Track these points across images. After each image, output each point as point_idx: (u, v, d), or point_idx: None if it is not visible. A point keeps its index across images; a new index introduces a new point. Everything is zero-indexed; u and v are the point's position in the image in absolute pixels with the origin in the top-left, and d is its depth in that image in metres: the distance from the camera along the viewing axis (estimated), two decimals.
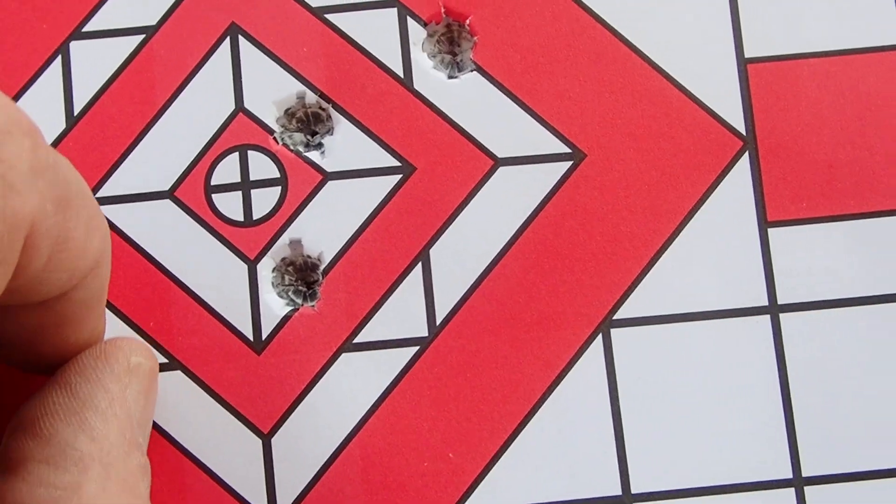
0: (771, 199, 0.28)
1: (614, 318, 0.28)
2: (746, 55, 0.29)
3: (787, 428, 0.28)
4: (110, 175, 0.28)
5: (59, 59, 0.28)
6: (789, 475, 0.27)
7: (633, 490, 0.27)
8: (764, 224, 0.28)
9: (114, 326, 0.27)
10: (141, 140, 0.28)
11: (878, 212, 0.28)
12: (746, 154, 0.28)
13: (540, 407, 0.27)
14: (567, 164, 0.28)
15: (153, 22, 0.29)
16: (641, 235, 0.28)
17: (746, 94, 0.29)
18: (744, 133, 0.28)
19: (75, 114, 0.28)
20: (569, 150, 0.28)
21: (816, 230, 0.28)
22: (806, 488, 0.27)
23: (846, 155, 0.28)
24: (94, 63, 0.28)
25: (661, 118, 0.28)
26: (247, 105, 0.28)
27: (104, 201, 0.28)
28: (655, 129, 0.28)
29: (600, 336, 0.28)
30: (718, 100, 0.29)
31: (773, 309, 0.28)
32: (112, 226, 0.28)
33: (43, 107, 0.28)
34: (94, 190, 0.28)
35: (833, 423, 0.28)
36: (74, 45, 0.28)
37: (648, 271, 0.28)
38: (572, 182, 0.28)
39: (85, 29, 0.28)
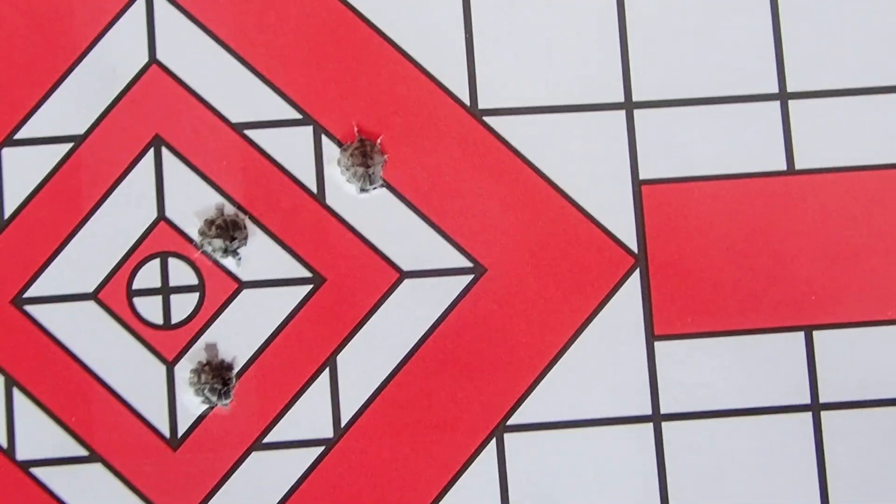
0: (659, 313, 0.32)
1: (508, 423, 0.32)
2: (641, 177, 0.32)
3: None
4: (37, 277, 0.32)
5: None
6: None
7: None
8: (651, 337, 0.32)
9: (37, 420, 0.31)
10: (67, 244, 0.32)
11: (759, 329, 0.32)
12: (637, 271, 0.32)
13: None
14: (469, 278, 0.32)
15: (81, 131, 0.32)
16: (536, 346, 0.32)
17: (639, 214, 0.32)
18: (635, 251, 0.32)
19: (5, 217, 0.32)
20: (471, 265, 0.32)
21: (701, 344, 0.32)
22: None
23: (731, 274, 0.32)
24: (24, 169, 0.32)
25: (558, 235, 0.32)
26: (168, 214, 0.32)
27: (31, 301, 0.31)
28: (553, 246, 0.32)
29: (494, 440, 0.32)
30: (612, 218, 0.32)
31: (657, 417, 0.32)
32: (37, 325, 0.31)
33: None
34: (21, 292, 0.31)
35: None
36: (6, 152, 0.32)
37: (541, 380, 0.32)
38: (473, 295, 0.32)
39: (17, 136, 0.32)
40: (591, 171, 0.32)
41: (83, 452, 0.31)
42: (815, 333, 0.32)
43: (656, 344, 0.32)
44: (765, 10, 0.33)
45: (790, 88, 0.33)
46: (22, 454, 0.31)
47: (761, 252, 0.32)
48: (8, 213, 0.32)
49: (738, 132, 0.33)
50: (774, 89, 0.33)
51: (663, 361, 0.32)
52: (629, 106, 0.33)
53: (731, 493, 0.32)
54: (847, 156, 0.33)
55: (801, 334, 0.32)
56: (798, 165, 0.33)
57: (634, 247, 0.32)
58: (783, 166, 0.33)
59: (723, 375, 0.32)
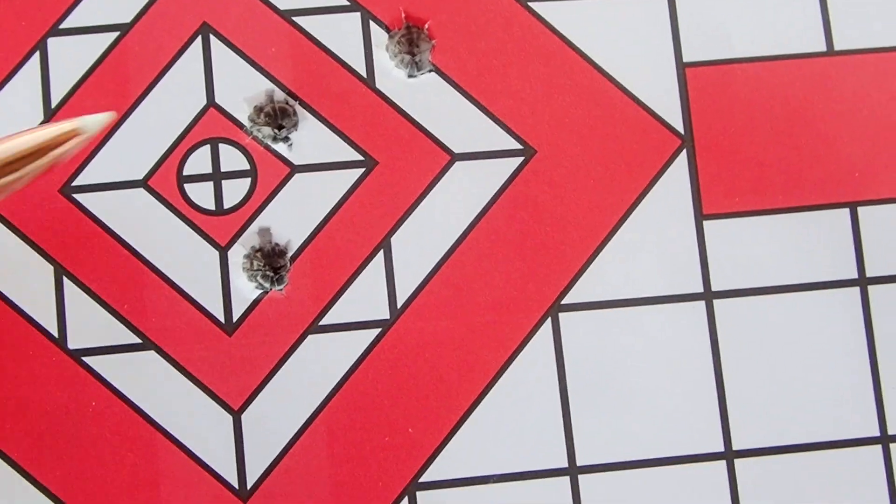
0: (706, 193, 0.34)
1: (562, 303, 0.33)
2: (684, 60, 0.34)
3: (720, 405, 0.33)
4: (86, 164, 0.32)
5: (37, 55, 0.33)
6: (721, 448, 0.33)
7: (579, 462, 0.32)
8: (700, 217, 0.34)
9: (89, 309, 0.32)
10: (116, 132, 0.33)
11: (803, 206, 0.34)
12: (684, 152, 0.34)
13: (493, 386, 0.32)
14: (518, 160, 0.33)
15: (128, 20, 0.33)
16: (587, 226, 0.33)
17: (684, 97, 0.34)
18: (682, 132, 0.34)
19: (52, 107, 0.32)
20: (520, 147, 0.33)
21: (748, 223, 0.34)
22: (736, 461, 0.33)
23: (776, 154, 0.34)
24: (70, 58, 0.33)
25: (605, 118, 0.34)
26: (218, 100, 0.33)
27: (80, 190, 0.32)
28: (600, 128, 0.34)
29: (549, 320, 0.33)
30: (658, 101, 0.34)
31: (708, 295, 0.33)
32: (87, 213, 0.32)
33: (22, 100, 0.32)
34: (70, 180, 0.32)
35: (761, 400, 0.33)
36: (52, 42, 0.33)
37: (594, 260, 0.33)
38: (523, 176, 0.33)
39: (62, 26, 0.33)
40: (635, 55, 0.34)
41: (136, 340, 0.32)
42: (860, 209, 0.34)
43: (705, 223, 0.34)
44: None
45: None
46: (73, 343, 0.32)
47: (804, 132, 0.34)
48: (55, 102, 0.33)
49: (777, 15, 0.34)
50: None
51: (713, 240, 0.34)
52: None
53: (782, 366, 0.33)
54: (885, 37, 0.35)
55: (847, 210, 0.34)
56: (837, 46, 0.34)
57: (681, 128, 0.34)
58: (823, 48, 0.34)
59: (771, 253, 0.34)
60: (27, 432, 0.31)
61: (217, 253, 0.32)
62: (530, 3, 0.34)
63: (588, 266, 0.33)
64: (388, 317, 0.33)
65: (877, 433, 0.33)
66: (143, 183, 0.33)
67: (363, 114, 0.33)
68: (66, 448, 0.32)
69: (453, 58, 0.34)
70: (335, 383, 0.32)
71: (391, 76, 0.33)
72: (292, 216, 0.33)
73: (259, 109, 0.33)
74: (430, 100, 0.33)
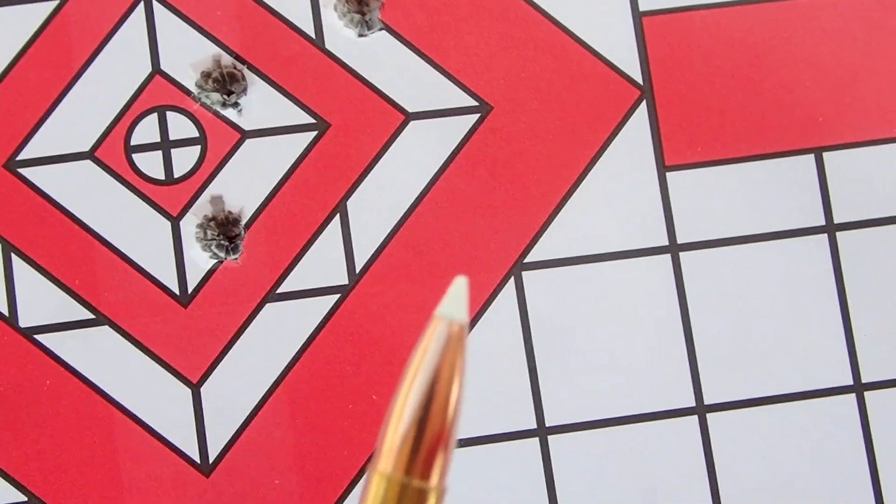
0: (668, 144, 0.33)
1: (525, 261, 0.32)
2: (641, 8, 0.33)
3: (689, 359, 0.32)
4: (31, 137, 0.32)
5: None
6: (692, 403, 0.32)
7: (548, 423, 0.32)
8: (662, 168, 0.33)
9: (40, 286, 0.31)
10: (60, 102, 0.32)
11: (767, 154, 0.33)
12: (644, 103, 0.33)
13: None
14: (475, 117, 0.33)
15: None
16: (548, 182, 0.33)
17: (642, 46, 0.33)
18: (641, 83, 0.33)
19: None
20: (476, 104, 0.33)
21: (711, 173, 0.33)
22: (708, 415, 0.32)
23: (737, 101, 0.33)
24: (9, 30, 0.32)
25: (562, 71, 0.33)
26: (163, 67, 0.32)
27: (25, 164, 0.31)
28: (557, 82, 0.33)
29: (512, 279, 0.32)
30: (616, 52, 0.33)
31: (674, 248, 0.33)
32: (34, 187, 0.31)
33: None
34: (16, 153, 0.31)
35: (732, 352, 0.32)
36: None
37: (556, 216, 0.33)
38: (480, 134, 0.33)
39: None
40: (591, 5, 0.33)
41: (89, 315, 0.31)
42: (825, 155, 0.33)
43: (668, 175, 0.33)
44: None
45: None
46: (25, 321, 0.31)
47: (766, 78, 0.33)
48: None
49: None
50: None
51: (676, 191, 0.33)
52: None
53: (752, 317, 0.33)
54: None
55: (812, 156, 0.33)
56: None
57: (640, 79, 0.33)
58: None
59: (737, 202, 0.33)
60: None
61: (169, 223, 0.32)
62: None
63: (550, 223, 0.33)
64: (346, 282, 0.32)
65: (850, 381, 0.33)
66: (90, 154, 0.32)
67: (313, 76, 0.32)
68: (23, 428, 0.31)
69: (404, 15, 0.33)
70: (295, 352, 0.32)
71: (341, 36, 0.33)
72: (245, 183, 0.32)
73: (206, 75, 0.32)
74: (381, 59, 0.33)
